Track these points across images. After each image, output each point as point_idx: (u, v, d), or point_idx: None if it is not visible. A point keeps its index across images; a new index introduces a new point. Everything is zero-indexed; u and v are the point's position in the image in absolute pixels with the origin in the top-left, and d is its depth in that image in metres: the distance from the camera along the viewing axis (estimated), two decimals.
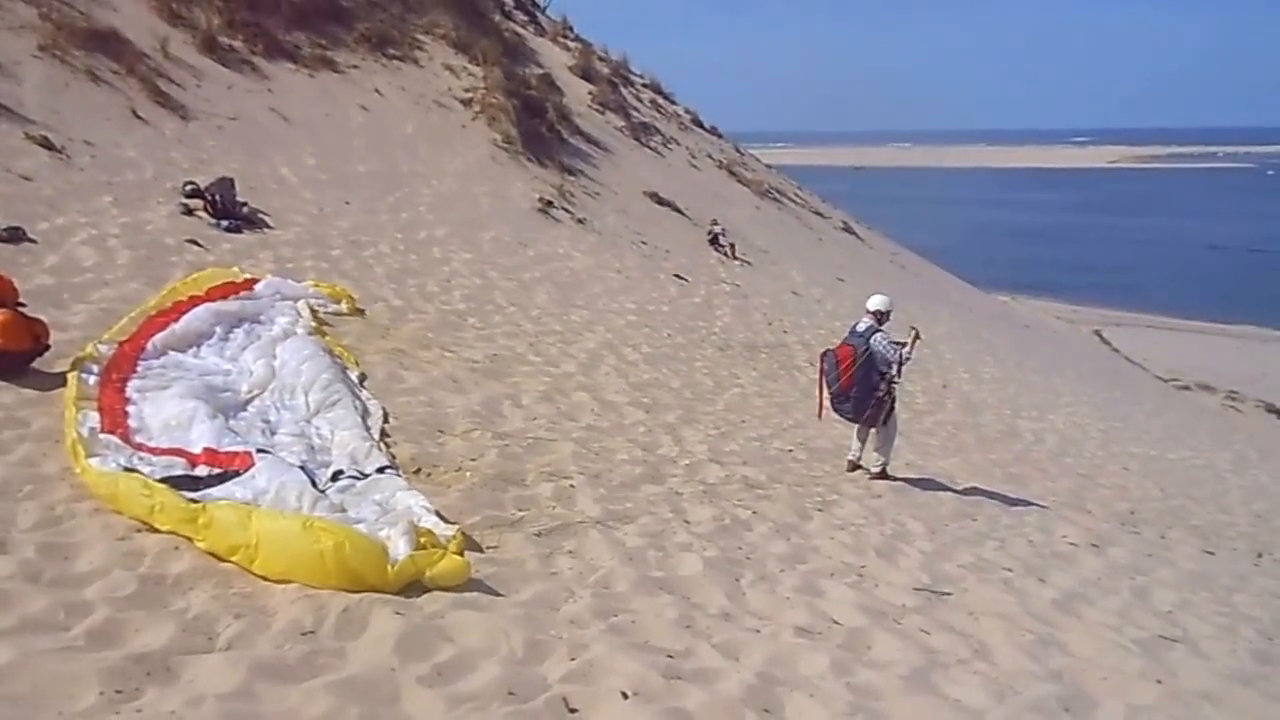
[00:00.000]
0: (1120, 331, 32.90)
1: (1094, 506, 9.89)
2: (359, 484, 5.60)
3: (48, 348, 6.44)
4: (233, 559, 4.52)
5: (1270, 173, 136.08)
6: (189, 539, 4.64)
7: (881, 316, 8.67)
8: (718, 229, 19.95)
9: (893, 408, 8.74)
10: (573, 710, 3.88)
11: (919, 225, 53.61)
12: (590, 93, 24.67)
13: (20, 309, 6.42)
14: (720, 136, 31.46)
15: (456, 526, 5.23)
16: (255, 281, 8.81)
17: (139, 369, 6.53)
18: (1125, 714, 4.76)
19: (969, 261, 39.01)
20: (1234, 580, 8.14)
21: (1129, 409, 18.45)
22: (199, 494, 4.98)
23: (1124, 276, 50.36)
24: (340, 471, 5.72)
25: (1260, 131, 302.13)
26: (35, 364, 6.34)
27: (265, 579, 4.45)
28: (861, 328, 8.65)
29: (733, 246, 19.62)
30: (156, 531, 4.72)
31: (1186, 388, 25.09)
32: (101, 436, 5.44)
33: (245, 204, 11.38)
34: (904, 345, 8.54)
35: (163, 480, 5.04)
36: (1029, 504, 9.16)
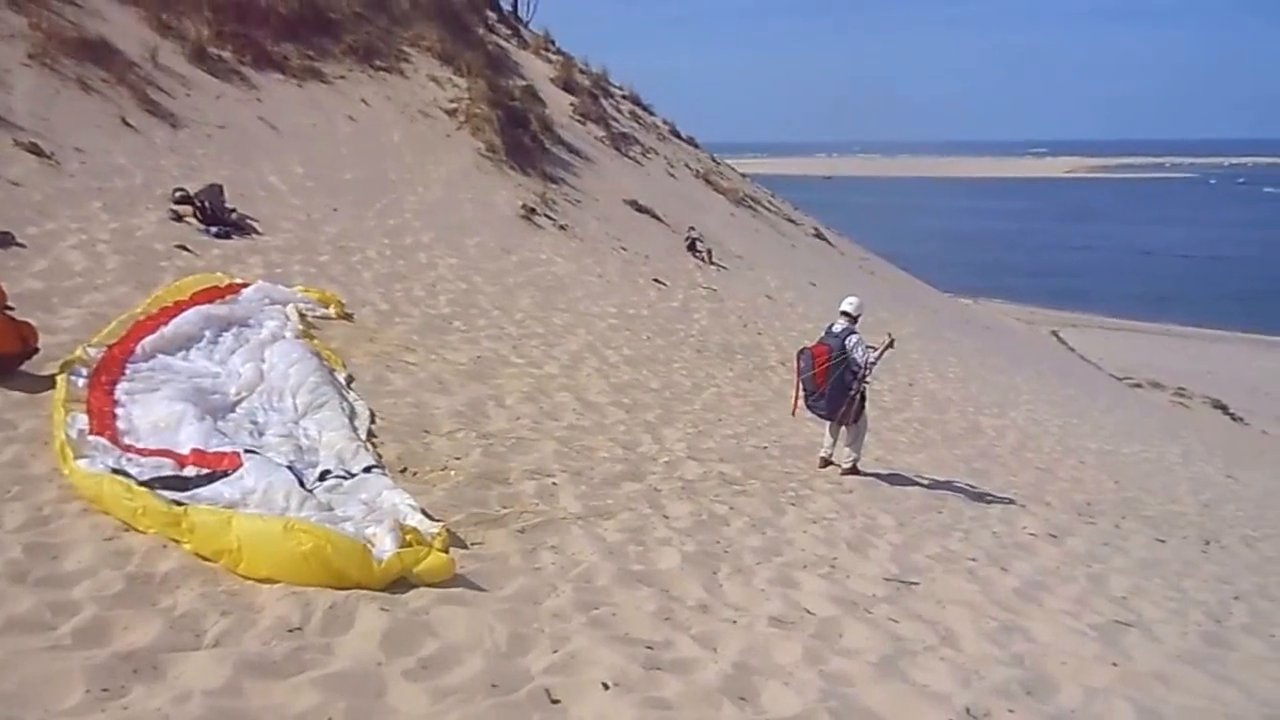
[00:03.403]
0: (1075, 332, 33.24)
1: (1053, 498, 9.92)
2: (346, 483, 5.52)
3: (36, 350, 6.31)
4: (219, 562, 4.43)
5: (1212, 181, 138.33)
6: (176, 541, 4.54)
7: (854, 318, 8.67)
8: (695, 235, 19.92)
9: (863, 405, 8.73)
10: (555, 701, 3.82)
11: (887, 232, 53.93)
12: (572, 104, 24.59)
13: (8, 312, 6.28)
14: (697, 147, 31.46)
15: (441, 524, 5.16)
16: (240, 286, 8.68)
17: (128, 372, 6.40)
18: (1083, 696, 4.76)
19: (933, 266, 39.25)
20: (1184, 567, 8.20)
21: (1085, 406, 18.58)
22: (187, 494, 4.88)
23: (1078, 280, 50.89)
24: (328, 471, 5.64)
25: (1205, 143, 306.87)
26: (24, 367, 6.21)
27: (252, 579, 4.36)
28: (837, 329, 8.65)
29: (709, 252, 19.60)
30: (143, 531, 4.62)
31: (1138, 385, 25.34)
32: (90, 438, 5.32)
33: (234, 210, 11.23)
34: (876, 349, 8.55)
35: (151, 480, 4.93)
36: (992, 497, 9.19)
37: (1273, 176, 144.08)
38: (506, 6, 29.67)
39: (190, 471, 5.21)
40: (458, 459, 6.51)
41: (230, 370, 6.98)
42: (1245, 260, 58.61)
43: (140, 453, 5.33)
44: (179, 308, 7.65)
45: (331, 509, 5.06)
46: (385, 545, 4.62)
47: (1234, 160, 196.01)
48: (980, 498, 9.04)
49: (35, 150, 10.63)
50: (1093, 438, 14.97)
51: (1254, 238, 69.47)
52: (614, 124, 25.91)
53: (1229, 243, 66.51)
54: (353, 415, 6.66)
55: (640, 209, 20.74)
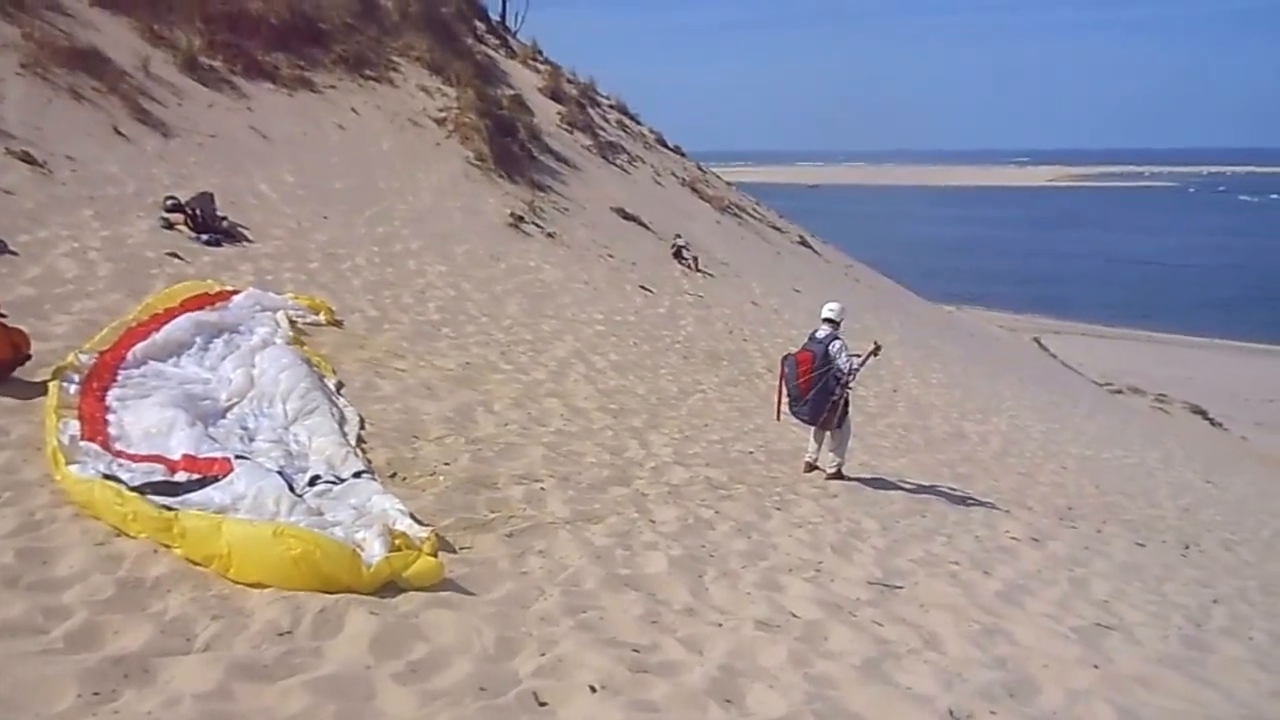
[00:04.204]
0: (1057, 339, 33.41)
1: (1035, 503, 9.97)
2: (336, 488, 5.51)
3: (29, 357, 6.28)
4: (209, 567, 4.42)
5: (1191, 190, 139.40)
6: (166, 546, 4.54)
7: (837, 323, 8.71)
8: (681, 242, 19.97)
9: (846, 411, 8.76)
10: (543, 704, 3.83)
11: (871, 239, 54.14)
12: (559, 113, 24.64)
13: (1, 319, 6.26)
14: (683, 155, 31.54)
15: (430, 528, 5.16)
16: (231, 293, 8.66)
17: (119, 378, 6.38)
18: (1065, 698, 4.79)
19: (917, 273, 39.44)
20: (1164, 570, 8.25)
21: (1066, 411, 18.67)
22: (178, 499, 4.86)
23: (1060, 287, 51.21)
24: (317, 476, 5.63)
25: (1185, 152, 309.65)
26: (16, 373, 6.19)
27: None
28: (821, 335, 8.68)
29: (695, 259, 19.65)
30: (134, 536, 4.61)
31: (1119, 391, 25.49)
32: (81, 444, 5.30)
33: (225, 218, 11.21)
34: (859, 355, 8.58)
35: (142, 486, 4.92)
36: (975, 501, 9.23)
37: (1250, 184, 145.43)
38: (495, 17, 29.74)
39: (181, 477, 5.19)
40: (446, 464, 6.51)
41: (221, 376, 6.96)
42: (1224, 267, 59.08)
43: (131, 458, 5.31)
44: (170, 314, 7.63)
45: (321, 514, 5.06)
46: (374, 550, 4.62)
47: (1213, 169, 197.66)
48: (963, 502, 9.08)
49: (27, 159, 10.62)
50: (1074, 443, 15.04)
51: (1232, 245, 70.02)
52: (601, 133, 25.97)
53: (1207, 250, 67.02)
54: (342, 421, 6.65)
55: (627, 217, 20.78)
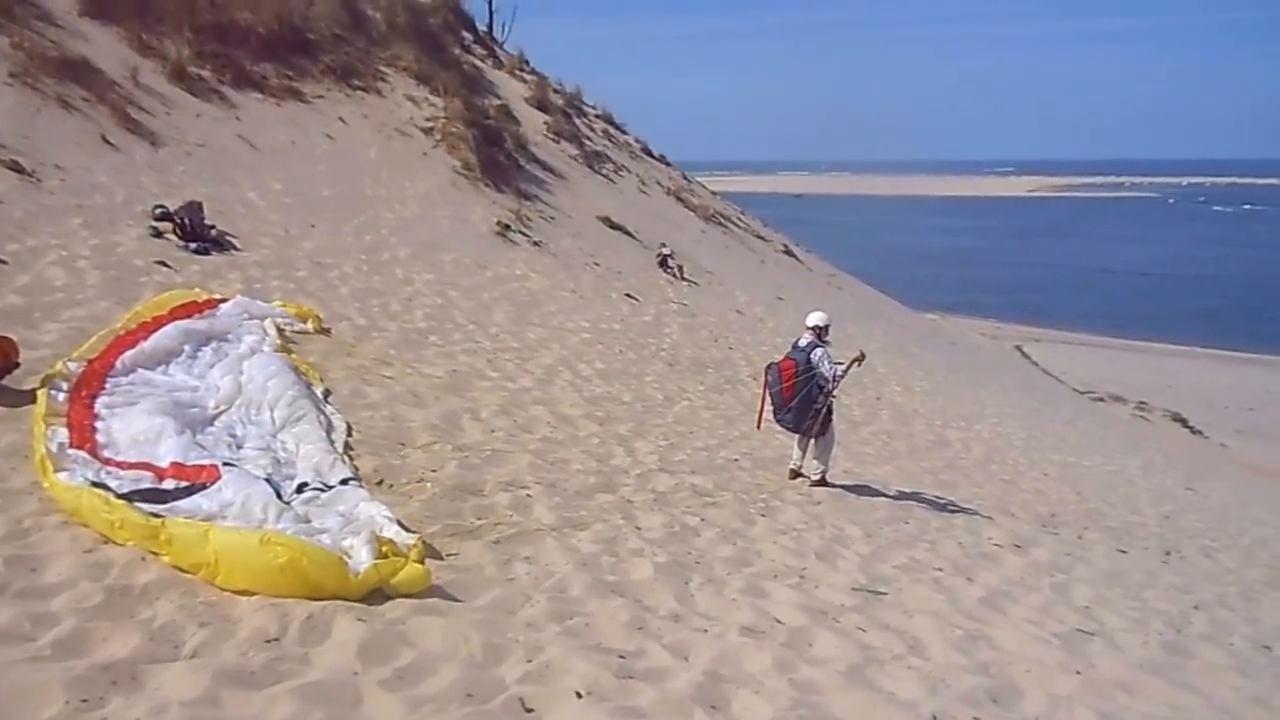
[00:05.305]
0: (1039, 347, 33.54)
1: (1017, 510, 10.02)
2: (323, 495, 5.51)
3: (17, 365, 6.26)
4: (197, 574, 4.41)
5: (1171, 200, 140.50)
6: (154, 553, 4.53)
7: (821, 331, 8.74)
8: (666, 251, 20.02)
9: (830, 418, 8.79)
10: (529, 710, 3.84)
11: (854, 248, 54.29)
12: (545, 123, 24.66)
13: None
14: (669, 164, 31.60)
15: (417, 535, 5.17)
16: (219, 301, 8.64)
17: (108, 386, 6.36)
18: (1047, 703, 4.83)
19: (900, 282, 39.53)
20: (1145, 577, 8.31)
21: (1048, 419, 18.77)
22: (166, 507, 4.86)
23: (1041, 296, 51.46)
24: (305, 484, 5.62)
25: (1165, 164, 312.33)
26: (5, 381, 6.16)
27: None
28: (803, 343, 8.71)
29: (681, 268, 19.69)
30: (122, 544, 4.59)
31: (1100, 399, 25.62)
32: (70, 452, 5.29)
33: (213, 227, 11.17)
34: (842, 363, 8.62)
35: (130, 493, 4.91)
36: (957, 508, 9.27)
37: (1228, 196, 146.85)
38: (482, 27, 29.76)
39: (169, 484, 5.18)
40: (433, 471, 6.51)
41: (209, 384, 6.95)
42: (1202, 277, 59.48)
43: (120, 466, 5.30)
44: (158, 323, 7.61)
45: (309, 521, 5.05)
46: (362, 557, 4.62)
47: (1192, 180, 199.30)
48: (946, 509, 9.12)
49: (16, 168, 10.56)
50: (1056, 450, 15.13)
51: (1209, 255, 70.57)
52: (587, 142, 26.01)
53: (1186, 260, 67.49)
54: (330, 428, 6.65)
55: (613, 226, 20.82)
